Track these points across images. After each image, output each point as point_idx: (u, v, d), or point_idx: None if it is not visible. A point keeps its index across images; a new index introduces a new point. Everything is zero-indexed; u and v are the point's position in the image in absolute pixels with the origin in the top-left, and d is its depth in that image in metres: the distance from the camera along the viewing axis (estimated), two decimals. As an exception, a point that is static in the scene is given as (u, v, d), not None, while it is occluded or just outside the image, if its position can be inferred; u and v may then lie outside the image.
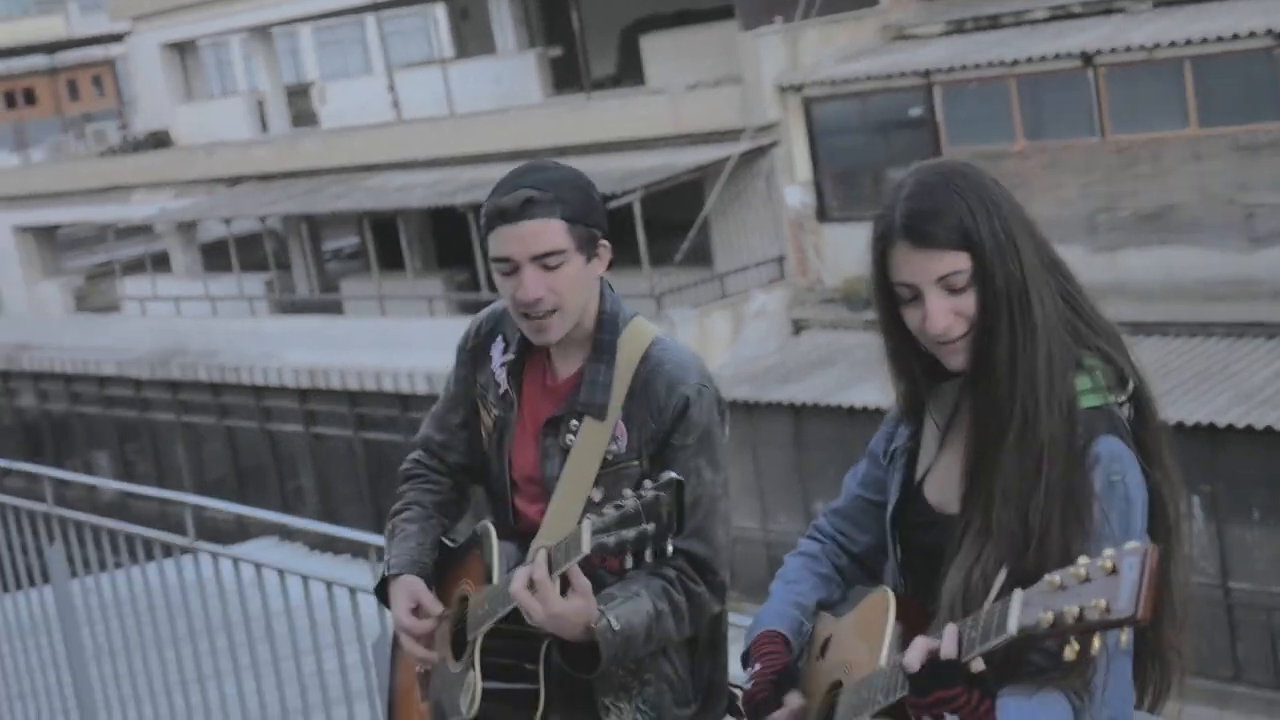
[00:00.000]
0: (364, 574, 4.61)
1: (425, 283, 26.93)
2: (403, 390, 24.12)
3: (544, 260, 2.94)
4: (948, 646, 2.16)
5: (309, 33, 43.80)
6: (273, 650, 4.83)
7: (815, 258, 21.28)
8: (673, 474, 2.69)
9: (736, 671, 3.12)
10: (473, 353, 3.23)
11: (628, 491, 2.70)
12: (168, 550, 5.25)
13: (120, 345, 29.26)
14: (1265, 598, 15.64)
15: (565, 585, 2.80)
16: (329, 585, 4.59)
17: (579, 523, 2.72)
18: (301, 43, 44.19)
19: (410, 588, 3.12)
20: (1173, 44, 17.64)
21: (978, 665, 2.17)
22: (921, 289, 2.39)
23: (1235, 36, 17.19)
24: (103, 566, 5.60)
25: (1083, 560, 2.07)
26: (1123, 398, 2.41)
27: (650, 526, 2.65)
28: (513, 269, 2.97)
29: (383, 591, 3.22)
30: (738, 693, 3.14)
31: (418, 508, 3.24)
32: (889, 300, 2.45)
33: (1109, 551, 2.05)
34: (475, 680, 2.98)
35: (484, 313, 3.27)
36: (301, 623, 4.74)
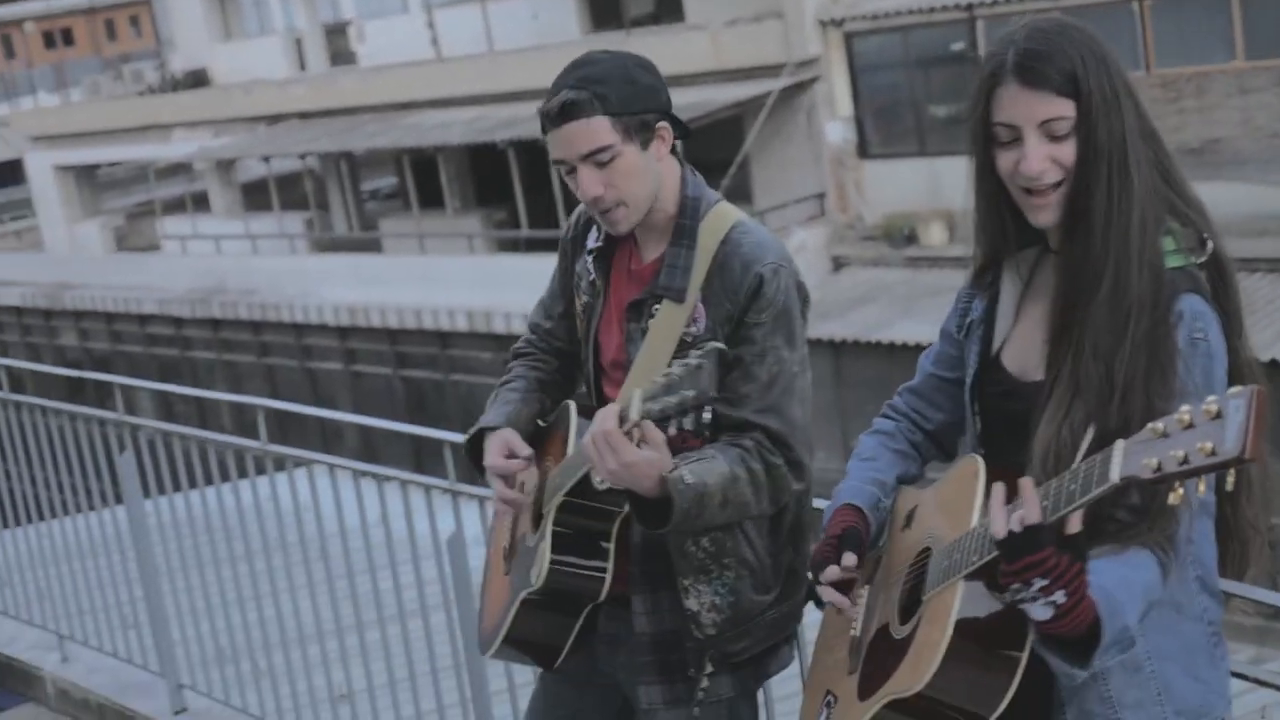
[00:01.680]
0: (436, 479, 4.67)
1: (464, 221, 27.00)
2: (442, 328, 24.23)
3: (594, 158, 2.98)
4: (1030, 512, 2.18)
5: (345, -30, 43.74)
6: (348, 564, 4.93)
7: (856, 194, 21.27)
8: (716, 343, 2.72)
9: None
10: (572, 243, 3.29)
11: (674, 361, 2.74)
12: (240, 466, 5.34)
13: (161, 284, 29.44)
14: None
15: (640, 442, 2.82)
16: (403, 484, 4.64)
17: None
18: (338, -19, 44.12)
19: (503, 436, 3.17)
20: (1219, -23, 17.57)
21: (1074, 526, 2.18)
22: (1023, 130, 2.42)
23: (1283, -32, 17.11)
24: (175, 480, 5.71)
25: (1185, 408, 2.08)
26: (1202, 258, 2.45)
27: (690, 393, 2.67)
28: (570, 169, 3.02)
29: (474, 453, 3.26)
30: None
31: (522, 380, 3.31)
32: (985, 145, 2.48)
33: (1212, 397, 2.06)
34: (545, 551, 3.03)
35: (582, 204, 3.29)
36: (378, 537, 4.83)
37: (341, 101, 28.30)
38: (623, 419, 2.79)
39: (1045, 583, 2.17)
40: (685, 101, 21.75)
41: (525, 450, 3.17)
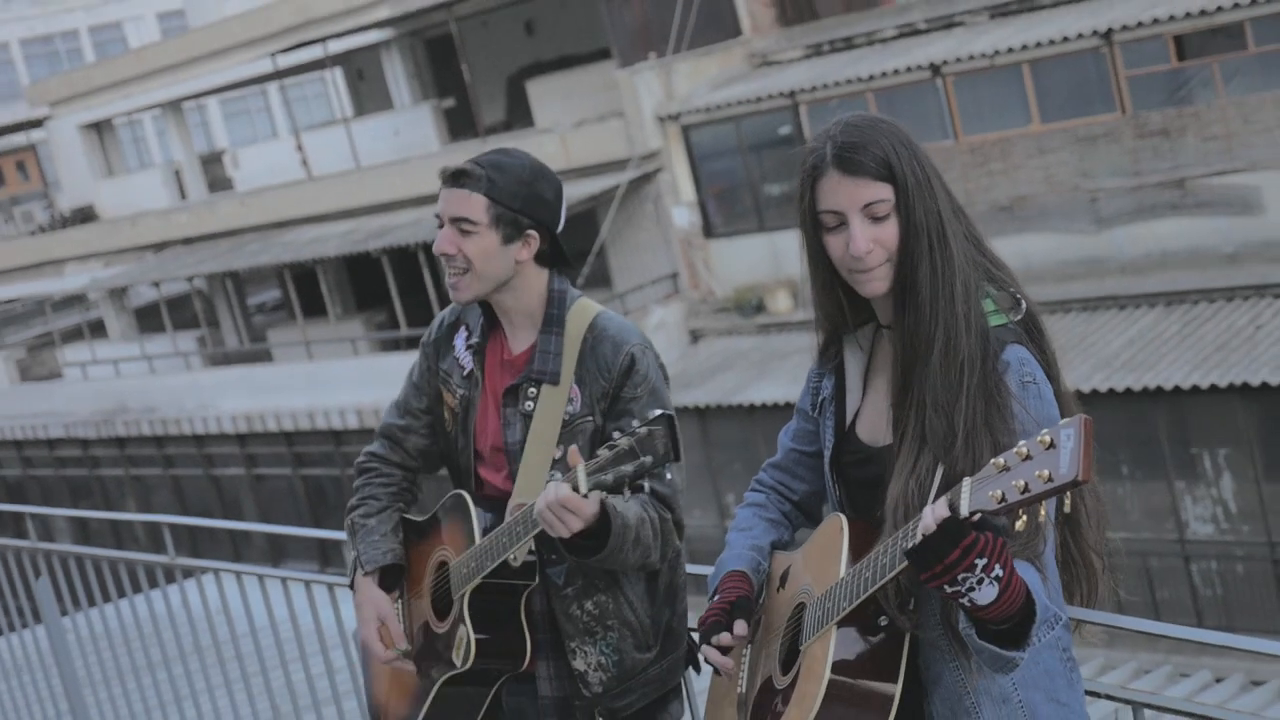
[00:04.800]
0: (337, 576, 4.59)
1: (346, 326, 26.80)
2: (335, 427, 23.98)
3: (459, 224, 3.07)
4: (940, 509, 2.18)
5: (216, 104, 43.49)
6: (260, 661, 4.81)
7: (705, 271, 21.41)
8: (661, 410, 2.75)
9: (695, 622, 3.17)
10: (436, 344, 3.30)
11: (617, 433, 2.76)
12: (151, 578, 5.22)
13: (66, 409, 28.85)
14: (1140, 544, 15.93)
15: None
16: (307, 584, 4.58)
17: (569, 469, 2.77)
18: (210, 114, 43.87)
19: (377, 606, 3.17)
20: (1011, 50, 17.95)
21: (969, 511, 2.17)
22: (847, 215, 2.46)
23: (1066, 39, 17.53)
24: (89, 596, 5.56)
25: (1022, 442, 2.12)
26: (1018, 317, 2.50)
27: (648, 459, 2.70)
28: (439, 224, 3.11)
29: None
30: (696, 638, 3.19)
31: (373, 501, 3.29)
32: (815, 231, 2.51)
33: (1045, 430, 2.10)
34: (467, 633, 3.02)
35: (447, 309, 3.35)
36: (286, 632, 4.73)
37: (222, 224, 28.03)
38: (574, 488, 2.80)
39: (986, 560, 2.16)
40: (542, 200, 21.74)
41: (400, 637, 3.17)
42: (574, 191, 21.73)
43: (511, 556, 2.98)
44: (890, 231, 2.45)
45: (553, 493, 2.80)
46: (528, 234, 3.09)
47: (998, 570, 2.17)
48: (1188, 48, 17.17)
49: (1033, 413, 2.39)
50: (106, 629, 5.59)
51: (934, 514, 2.19)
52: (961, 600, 2.20)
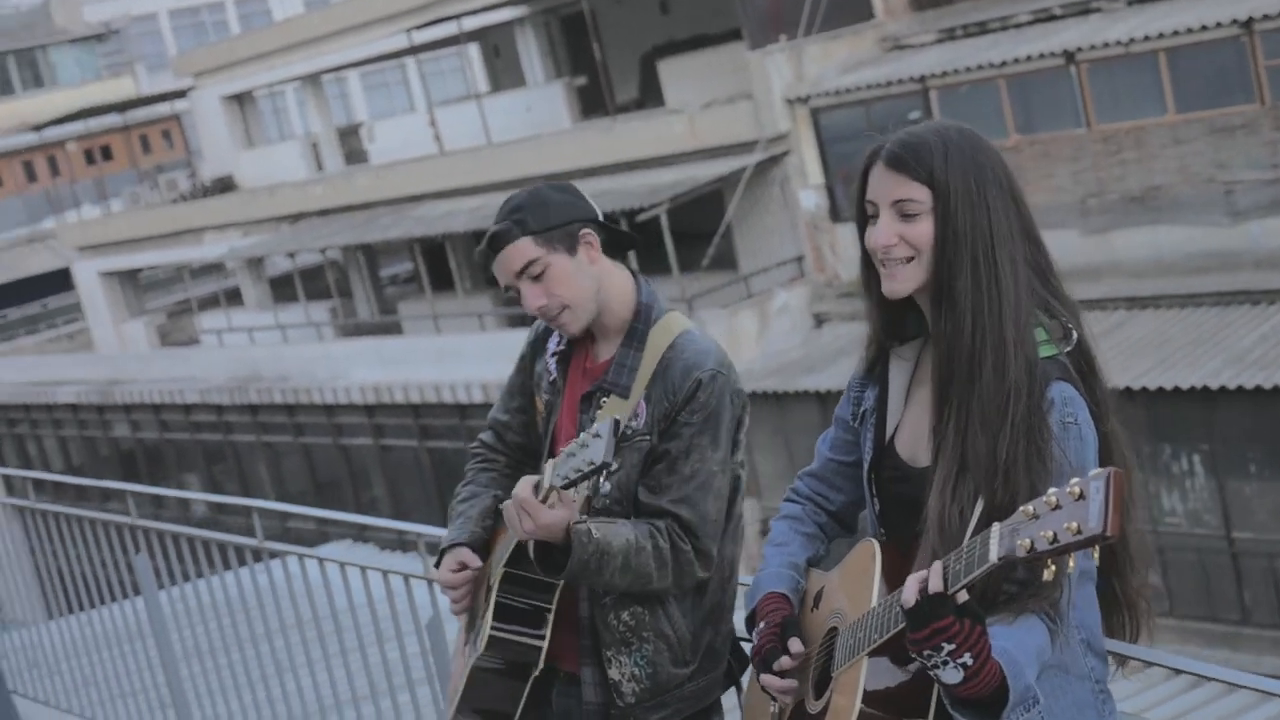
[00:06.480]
0: (417, 564, 4.67)
1: (475, 301, 27.05)
2: (461, 401, 24.22)
3: (527, 273, 3.09)
4: (934, 581, 2.18)
5: (356, 77, 44.09)
6: (341, 643, 4.90)
7: (831, 255, 21.27)
8: (615, 416, 2.84)
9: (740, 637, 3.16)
10: (533, 345, 3.35)
11: (581, 434, 2.82)
12: (241, 556, 5.34)
13: (202, 375, 29.47)
14: (1267, 545, 15.57)
15: (554, 506, 2.93)
16: (385, 574, 4.64)
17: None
18: (350, 87, 44.48)
19: (458, 554, 3.24)
20: (1147, 38, 17.58)
21: (962, 596, 2.18)
22: (879, 207, 2.47)
23: (1204, 28, 17.13)
24: (185, 572, 5.70)
25: (1052, 490, 2.09)
26: (1068, 348, 2.45)
27: (585, 461, 2.78)
28: (515, 290, 3.13)
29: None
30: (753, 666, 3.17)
31: (473, 486, 3.36)
32: (864, 224, 2.52)
33: (1075, 480, 2.07)
34: (488, 620, 3.09)
35: None
36: (365, 616, 4.80)
37: (357, 197, 28.42)
38: (538, 487, 2.88)
39: (953, 647, 2.17)
40: (669, 179, 21.81)
41: (476, 562, 3.22)
42: (701, 172, 21.70)
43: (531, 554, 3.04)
44: (919, 231, 2.43)
45: (516, 492, 2.89)
46: (582, 234, 3.11)
47: (966, 658, 2.16)
48: (1332, 37, 16.70)
49: (1071, 456, 2.36)
50: (200, 604, 5.73)
51: (916, 586, 2.18)
52: (929, 671, 2.20)
